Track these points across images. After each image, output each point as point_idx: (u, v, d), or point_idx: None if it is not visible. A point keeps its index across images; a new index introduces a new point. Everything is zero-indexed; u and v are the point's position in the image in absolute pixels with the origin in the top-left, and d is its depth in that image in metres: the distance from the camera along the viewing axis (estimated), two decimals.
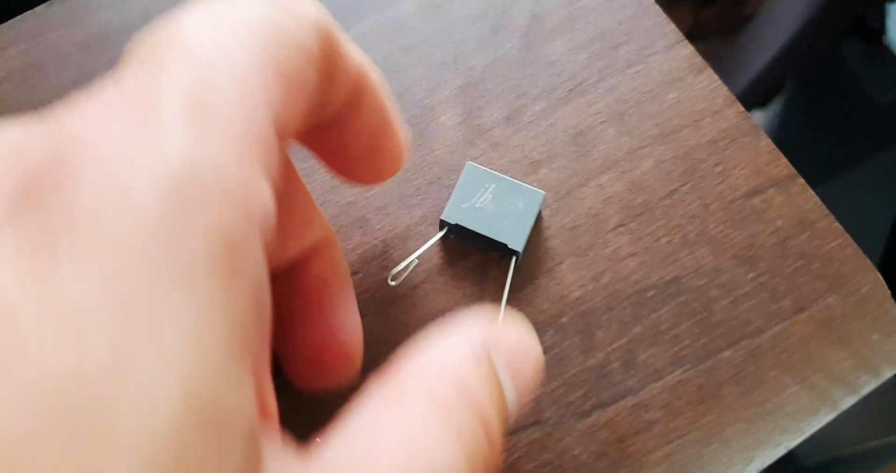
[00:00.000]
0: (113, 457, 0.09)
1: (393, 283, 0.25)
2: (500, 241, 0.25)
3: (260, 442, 0.12)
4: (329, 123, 0.17)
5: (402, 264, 0.25)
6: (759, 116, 0.87)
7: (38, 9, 0.29)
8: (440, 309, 0.25)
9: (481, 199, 0.25)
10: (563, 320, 0.25)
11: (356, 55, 0.16)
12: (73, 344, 0.09)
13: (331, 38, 0.15)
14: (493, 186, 0.25)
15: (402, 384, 0.14)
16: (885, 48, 0.78)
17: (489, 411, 0.14)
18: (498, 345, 0.15)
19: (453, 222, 0.25)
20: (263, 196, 0.12)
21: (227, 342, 0.11)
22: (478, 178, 0.25)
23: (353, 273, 0.26)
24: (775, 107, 0.86)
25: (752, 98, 0.84)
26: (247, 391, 0.11)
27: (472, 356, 0.15)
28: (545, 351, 0.25)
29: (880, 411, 0.69)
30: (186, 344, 0.10)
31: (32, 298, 0.10)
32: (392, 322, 0.25)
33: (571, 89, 0.28)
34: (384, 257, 0.26)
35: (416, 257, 0.25)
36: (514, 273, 0.25)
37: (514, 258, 0.25)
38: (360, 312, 0.22)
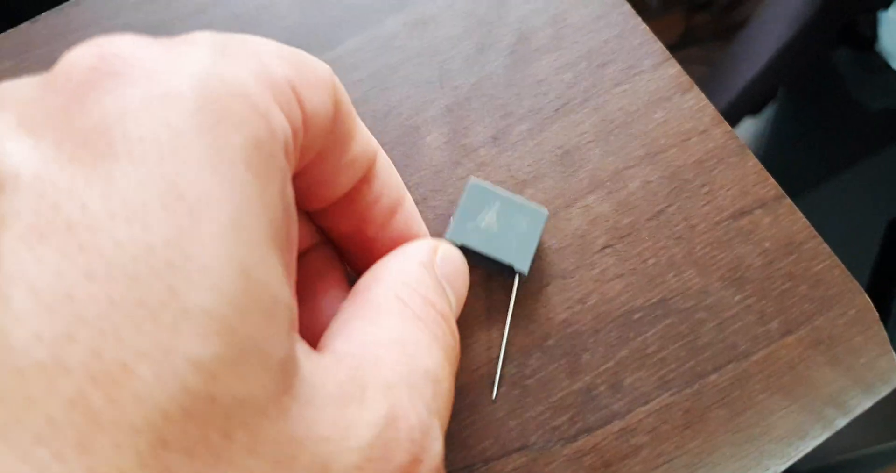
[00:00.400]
0: (187, 324, 0.10)
1: None
2: (507, 262, 0.24)
3: (296, 335, 0.13)
4: (348, 200, 0.19)
5: None
6: (751, 124, 0.87)
7: (23, 26, 0.29)
8: None
9: (486, 218, 0.25)
10: (550, 342, 0.25)
11: (367, 133, 0.18)
12: (139, 223, 0.10)
13: (340, 102, 0.16)
14: (498, 204, 0.25)
15: (373, 297, 0.17)
16: (877, 55, 0.78)
17: (446, 313, 0.17)
18: (438, 262, 0.19)
19: (459, 243, 0.24)
20: (283, 123, 0.13)
21: (265, 233, 0.12)
22: (482, 196, 0.25)
23: None
24: (767, 114, 0.86)
25: (744, 105, 0.84)
26: (286, 285, 0.12)
27: (424, 271, 0.18)
28: (531, 374, 0.24)
29: (871, 420, 0.69)
30: (234, 229, 0.11)
31: (98, 188, 0.11)
32: None
33: (558, 109, 0.28)
34: None
35: None
36: (509, 292, 0.25)
37: (516, 277, 0.25)
38: None
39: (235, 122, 0.12)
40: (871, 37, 0.78)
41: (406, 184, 0.27)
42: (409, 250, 0.19)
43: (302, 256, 0.21)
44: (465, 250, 0.24)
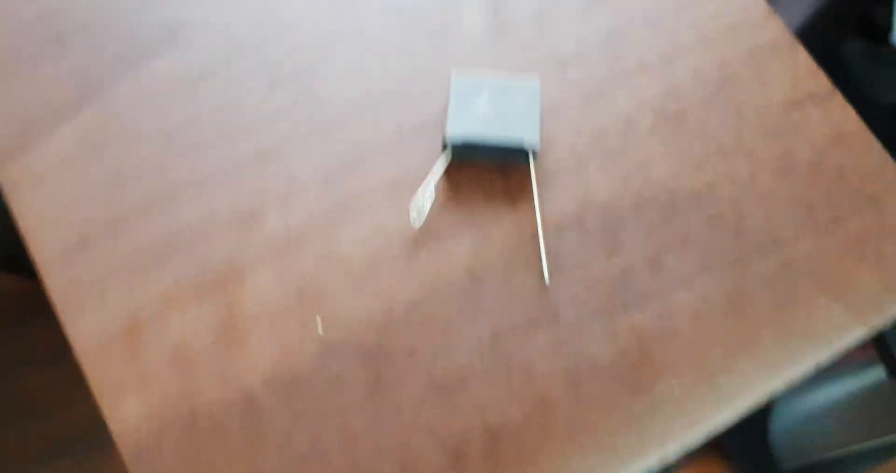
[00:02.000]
0: None
1: (417, 225, 0.23)
2: (516, 142, 0.23)
3: None
4: None
5: (418, 200, 0.23)
6: None
7: None
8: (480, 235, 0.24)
9: (479, 106, 0.23)
10: (587, 221, 0.24)
11: None
12: None
13: None
14: (486, 90, 0.24)
15: None
16: (890, 47, 0.77)
17: None
18: None
19: (460, 141, 0.23)
20: None
21: None
22: (468, 86, 0.23)
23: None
24: None
25: None
26: None
27: None
28: (567, 254, 0.23)
29: (859, 417, 0.68)
30: None
31: None
32: (424, 270, 0.24)
33: None
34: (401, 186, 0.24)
35: (433, 187, 0.23)
36: (536, 171, 0.24)
37: (530, 154, 0.23)
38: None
39: None
40: (886, 28, 0.77)
41: (441, 57, 0.25)
42: None
43: None
44: (470, 146, 0.23)
